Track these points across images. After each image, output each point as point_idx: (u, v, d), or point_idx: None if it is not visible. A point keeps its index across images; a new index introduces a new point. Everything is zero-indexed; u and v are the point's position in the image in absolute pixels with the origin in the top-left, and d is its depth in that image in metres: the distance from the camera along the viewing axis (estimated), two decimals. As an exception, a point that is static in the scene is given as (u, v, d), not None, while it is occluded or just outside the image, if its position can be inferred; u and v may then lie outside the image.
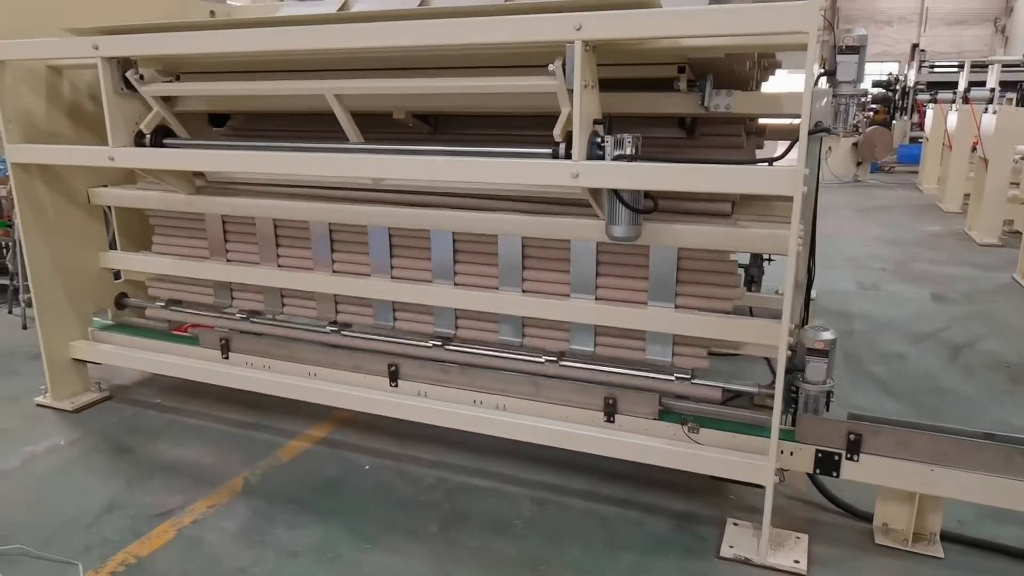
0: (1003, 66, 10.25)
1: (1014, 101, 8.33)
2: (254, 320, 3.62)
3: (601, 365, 2.98)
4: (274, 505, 2.90)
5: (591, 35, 2.27)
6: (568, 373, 2.98)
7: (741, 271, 4.41)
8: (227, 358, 3.53)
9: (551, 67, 2.36)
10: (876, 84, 16.42)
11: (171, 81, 3.33)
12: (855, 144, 12.90)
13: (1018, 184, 7.74)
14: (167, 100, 3.25)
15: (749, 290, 4.49)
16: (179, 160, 3.20)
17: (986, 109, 8.56)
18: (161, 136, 3.22)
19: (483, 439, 3.03)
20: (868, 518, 2.70)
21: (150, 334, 3.82)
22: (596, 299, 2.88)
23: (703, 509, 2.84)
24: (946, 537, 2.62)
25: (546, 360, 3.01)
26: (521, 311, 3.01)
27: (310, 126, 3.49)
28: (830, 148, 12.30)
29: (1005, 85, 9.52)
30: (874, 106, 15.50)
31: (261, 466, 3.21)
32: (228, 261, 3.56)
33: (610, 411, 2.82)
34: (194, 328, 3.78)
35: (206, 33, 2.85)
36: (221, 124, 3.91)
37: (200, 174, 3.49)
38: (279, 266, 3.44)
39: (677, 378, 2.83)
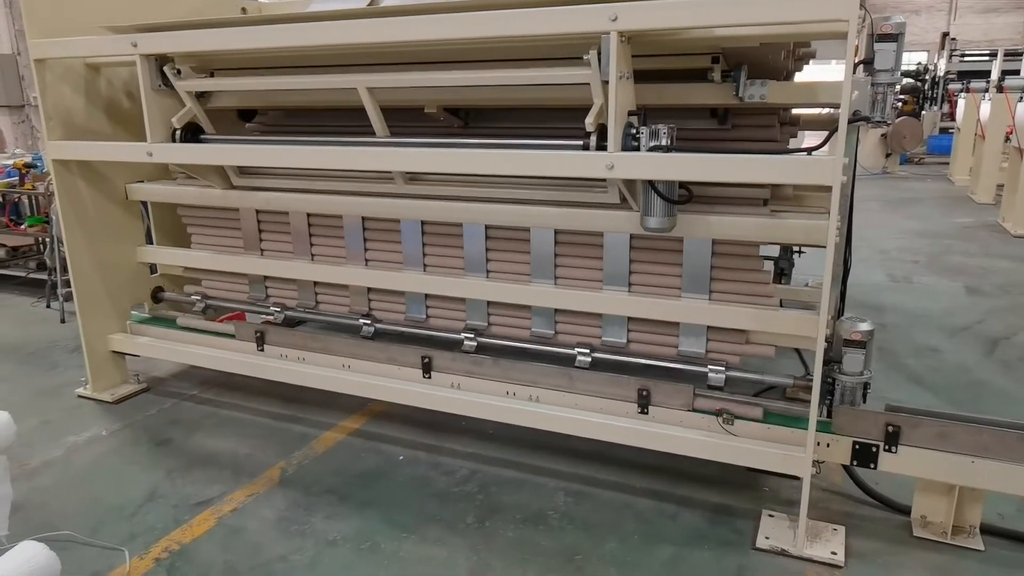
0: (1039, 54, 10.00)
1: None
2: (291, 311, 3.67)
3: (635, 357, 2.98)
4: (311, 495, 2.94)
5: (626, 26, 2.27)
6: (599, 363, 2.98)
7: (771, 264, 4.42)
8: (262, 350, 3.58)
9: (586, 57, 2.36)
10: (905, 74, 16.15)
11: (206, 77, 3.38)
12: (884, 135, 12.71)
13: (1055, 174, 7.58)
14: (200, 96, 3.30)
15: (779, 283, 4.46)
16: (217, 155, 3.26)
17: (1021, 98, 8.36)
18: (191, 133, 3.27)
19: (516, 431, 3.05)
20: (906, 511, 2.68)
21: (187, 327, 3.89)
22: (629, 291, 2.88)
23: (738, 502, 2.83)
24: (986, 530, 2.59)
25: (579, 352, 3.01)
26: (554, 303, 3.02)
27: (338, 121, 3.53)
28: (859, 139, 12.14)
29: (1040, 73, 9.31)
30: (903, 96, 15.26)
31: (297, 457, 3.25)
32: (263, 254, 3.62)
33: (643, 403, 2.82)
34: (231, 320, 3.85)
35: (244, 29, 2.89)
36: (248, 120, 3.95)
37: (234, 170, 3.54)
38: (312, 260, 3.49)
39: (711, 370, 2.82)
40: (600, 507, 2.84)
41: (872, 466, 2.55)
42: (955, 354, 4.36)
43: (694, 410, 2.77)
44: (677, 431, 2.74)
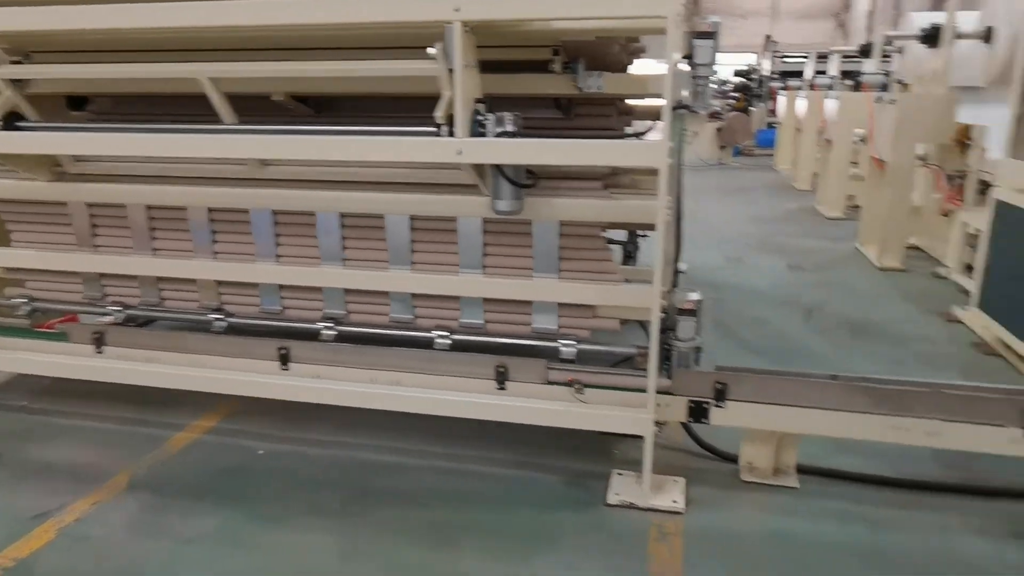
0: (842, 56, 11.25)
1: (852, 88, 9.19)
2: (134, 311, 3.47)
3: (492, 336, 3.11)
4: (164, 496, 2.83)
5: (469, 16, 2.37)
6: (458, 345, 3.08)
7: (619, 247, 4.72)
8: (101, 352, 3.37)
9: (431, 51, 2.44)
10: (737, 73, 17.56)
11: (20, 62, 3.12)
12: (719, 129, 13.79)
13: (857, 163, 8.57)
14: (17, 82, 3.05)
15: (627, 264, 4.77)
16: (37, 144, 3.02)
17: (827, 96, 9.39)
18: (12, 120, 3.01)
19: (382, 417, 3.08)
20: (735, 459, 2.99)
21: (11, 332, 3.57)
22: (484, 273, 3.00)
23: (592, 466, 3.03)
24: (801, 470, 2.95)
25: (437, 335, 3.10)
26: (412, 288, 3.08)
27: (182, 108, 3.37)
28: (696, 133, 13.08)
29: (845, 74, 10.47)
30: (735, 94, 16.61)
31: (147, 460, 3.10)
32: (97, 250, 3.40)
33: (501, 379, 2.95)
34: (63, 323, 3.58)
35: (57, 8, 2.66)
36: (80, 108, 3.68)
37: (68, 160, 3.30)
38: (155, 254, 3.33)
39: (563, 344, 3.00)
40: (466, 481, 2.95)
41: (705, 421, 2.83)
42: (778, 323, 4.88)
43: (549, 382, 2.94)
44: (533, 403, 2.90)
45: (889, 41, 7.94)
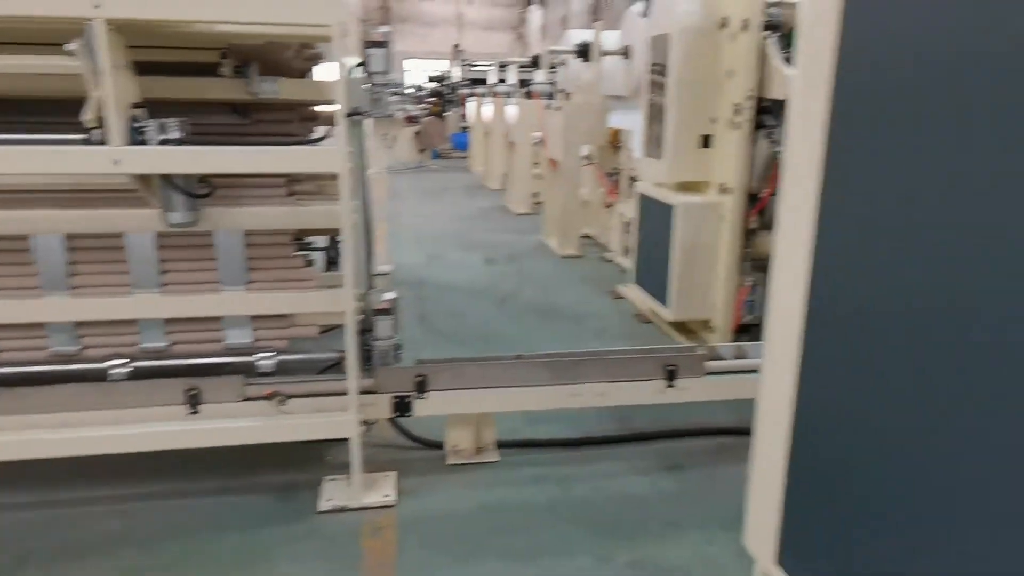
0: (519, 66, 12.37)
1: (525, 96, 10.18)
2: None
3: (179, 359, 2.89)
4: None
5: (112, 13, 2.17)
6: (140, 372, 2.82)
7: (320, 255, 4.67)
8: None
9: (70, 47, 2.19)
10: (432, 79, 18.33)
11: None
12: (417, 133, 14.29)
13: (538, 163, 9.53)
14: None
15: (330, 269, 4.74)
16: None
17: (508, 102, 10.28)
18: None
19: (49, 465, 2.69)
20: (441, 446, 3.18)
21: None
22: (162, 291, 2.78)
23: (305, 476, 2.99)
24: (501, 445, 3.23)
25: (111, 364, 2.79)
26: (72, 315, 2.73)
27: None
28: (395, 137, 13.41)
29: (522, 82, 11.54)
30: (432, 99, 17.34)
31: None
32: None
33: (194, 402, 2.76)
34: None
35: None
36: None
37: None
38: None
39: (259, 358, 2.91)
40: (160, 519, 2.70)
41: (409, 414, 2.96)
42: (476, 312, 5.25)
43: (248, 399, 2.82)
44: (232, 423, 2.76)
45: (553, 54, 8.94)
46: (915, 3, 1.38)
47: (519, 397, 3.03)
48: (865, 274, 1.57)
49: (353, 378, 2.70)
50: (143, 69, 2.55)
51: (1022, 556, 1.22)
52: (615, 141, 6.86)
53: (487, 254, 7.11)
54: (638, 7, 5.78)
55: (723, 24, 4.14)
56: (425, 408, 2.96)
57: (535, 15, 17.49)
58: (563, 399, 3.07)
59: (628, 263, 5.95)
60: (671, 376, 3.10)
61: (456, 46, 19.48)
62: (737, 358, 3.28)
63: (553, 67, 9.65)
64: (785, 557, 1.88)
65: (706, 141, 4.35)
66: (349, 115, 2.64)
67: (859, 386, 1.61)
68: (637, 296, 5.25)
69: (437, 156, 15.21)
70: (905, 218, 1.44)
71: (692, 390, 3.14)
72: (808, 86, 1.60)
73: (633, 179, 6.04)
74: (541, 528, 2.72)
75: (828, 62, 1.55)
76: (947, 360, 1.36)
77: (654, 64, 4.58)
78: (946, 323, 1.36)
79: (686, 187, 4.50)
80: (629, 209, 5.85)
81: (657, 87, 4.54)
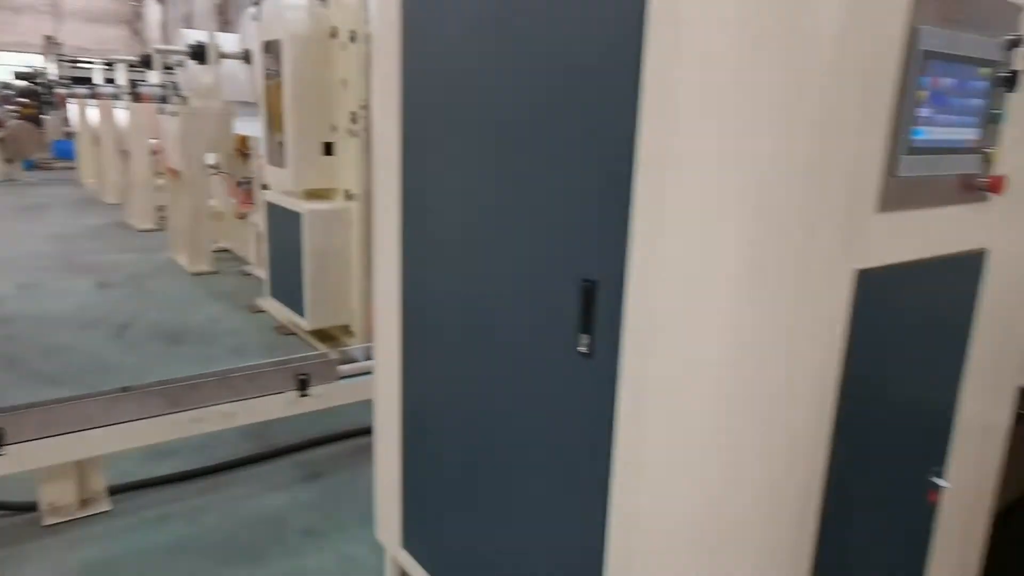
0: (129, 66, 11.08)
1: (134, 98, 9.16)
2: None
3: None
4: None
5: None
6: None
7: None
8: None
9: None
10: (20, 76, 15.43)
11: None
12: (2, 140, 11.91)
13: (162, 174, 8.63)
14: None
15: None
16: None
17: (116, 105, 9.14)
18: None
19: None
20: (33, 507, 2.69)
21: None
22: None
23: None
24: (113, 490, 2.85)
25: None
26: None
27: None
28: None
29: (134, 84, 10.35)
30: (22, 100, 14.56)
31: None
32: None
33: None
34: None
35: None
36: None
37: None
38: None
39: None
40: None
41: (-19, 477, 2.44)
42: (87, 346, 4.56)
43: None
44: None
45: (164, 55, 8.18)
46: (426, 55, 1.63)
47: (128, 434, 2.71)
48: (422, 278, 1.79)
49: None
50: None
51: (551, 522, 1.47)
52: (244, 148, 6.54)
53: (101, 278, 6.22)
54: (253, 10, 5.59)
55: (333, 34, 4.22)
56: (8, 466, 2.48)
57: (153, 10, 15.85)
58: (184, 427, 2.83)
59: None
60: (303, 385, 3.07)
61: (49, 37, 16.67)
62: (369, 359, 3.38)
63: (169, 68, 8.84)
64: (409, 541, 2.00)
65: (328, 148, 4.39)
66: None
67: (426, 379, 1.81)
68: (275, 307, 5.09)
69: (31, 167, 12.81)
70: (426, 224, 1.73)
71: (327, 396, 3.15)
72: (383, 112, 1.76)
73: (265, 187, 5.83)
74: (164, 571, 2.47)
75: (395, 91, 1.73)
76: (471, 349, 1.64)
77: (268, 70, 4.48)
78: (466, 320, 1.64)
79: (314, 194, 4.49)
80: (262, 219, 5.63)
81: (273, 93, 4.45)
